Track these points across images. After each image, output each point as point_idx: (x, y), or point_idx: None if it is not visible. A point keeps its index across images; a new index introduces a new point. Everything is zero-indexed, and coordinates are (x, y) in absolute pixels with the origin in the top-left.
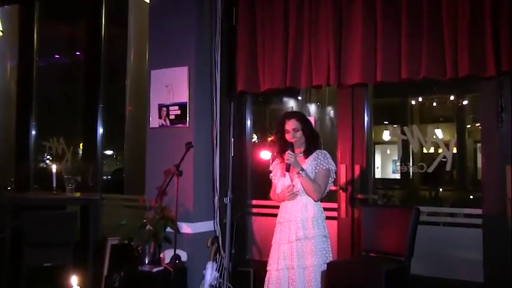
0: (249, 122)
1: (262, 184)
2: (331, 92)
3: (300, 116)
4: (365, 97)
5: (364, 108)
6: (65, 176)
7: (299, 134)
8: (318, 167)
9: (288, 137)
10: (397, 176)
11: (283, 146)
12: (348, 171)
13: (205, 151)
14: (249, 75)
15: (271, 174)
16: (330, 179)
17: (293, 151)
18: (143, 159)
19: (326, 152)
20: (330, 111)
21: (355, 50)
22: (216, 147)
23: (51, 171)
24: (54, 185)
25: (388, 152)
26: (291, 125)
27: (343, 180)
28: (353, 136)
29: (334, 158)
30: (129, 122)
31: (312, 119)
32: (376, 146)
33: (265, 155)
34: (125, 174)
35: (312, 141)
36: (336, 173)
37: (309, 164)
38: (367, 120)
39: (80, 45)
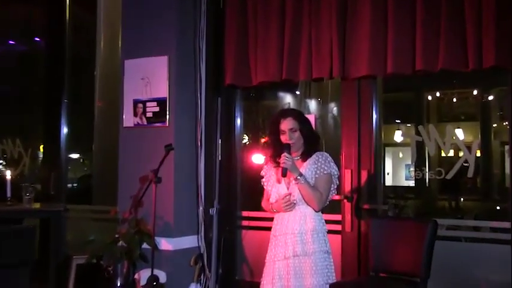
0: (239, 121)
1: (254, 193)
2: (335, 86)
3: (298, 114)
4: (373, 92)
5: (372, 104)
6: (22, 184)
7: (296, 134)
8: (318, 172)
9: (283, 138)
10: (411, 183)
11: (278, 149)
12: (353, 178)
13: (188, 154)
14: (239, 67)
15: (263, 180)
16: (333, 185)
17: (290, 154)
18: (115, 164)
19: (327, 155)
20: (333, 108)
21: (363, 38)
22: (201, 149)
23: (5, 179)
24: (9, 194)
25: (401, 155)
26: (287, 124)
27: (348, 188)
28: (359, 137)
29: (337, 163)
30: (98, 120)
31: (311, 118)
32: (386, 148)
33: (257, 159)
34: (93, 182)
35: (312, 143)
36: (339, 178)
37: (307, 169)
38: (376, 119)
39: (40, 30)
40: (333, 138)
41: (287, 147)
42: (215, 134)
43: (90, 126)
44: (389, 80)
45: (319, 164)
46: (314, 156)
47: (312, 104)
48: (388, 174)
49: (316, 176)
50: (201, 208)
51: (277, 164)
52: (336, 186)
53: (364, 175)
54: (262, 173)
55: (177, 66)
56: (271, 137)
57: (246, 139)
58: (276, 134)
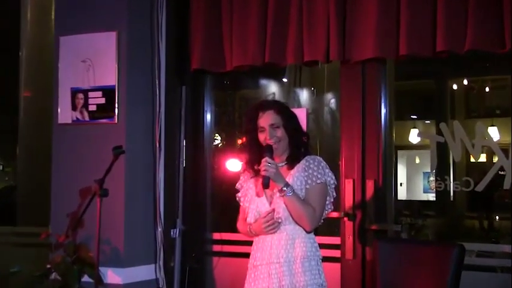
0: (209, 117)
1: (229, 209)
2: (332, 73)
3: (280, 107)
4: (382, 79)
5: (380, 95)
6: None
7: (279, 132)
8: (309, 181)
9: (263, 137)
10: (431, 196)
11: (256, 152)
12: (356, 190)
13: (143, 160)
14: (210, 47)
15: (239, 195)
16: (328, 198)
17: (272, 158)
18: (47, 173)
19: (320, 159)
20: (330, 101)
21: (369, 10)
22: (160, 153)
23: None
24: None
25: (417, 160)
26: (266, 119)
27: (349, 202)
28: (364, 137)
29: (336, 171)
30: (25, 115)
31: (302, 112)
32: (398, 152)
33: (233, 165)
34: (17, 196)
35: (299, 144)
36: (336, 190)
37: (296, 178)
38: (385, 114)
39: None
40: (331, 138)
41: (269, 150)
42: (178, 134)
43: (13, 124)
44: (402, 65)
45: (310, 171)
46: (303, 161)
47: (304, 95)
48: (401, 185)
49: (307, 186)
50: (159, 229)
51: (257, 173)
52: (332, 200)
53: (370, 186)
54: (238, 185)
55: (128, 46)
56: (248, 137)
57: (218, 140)
58: (254, 133)
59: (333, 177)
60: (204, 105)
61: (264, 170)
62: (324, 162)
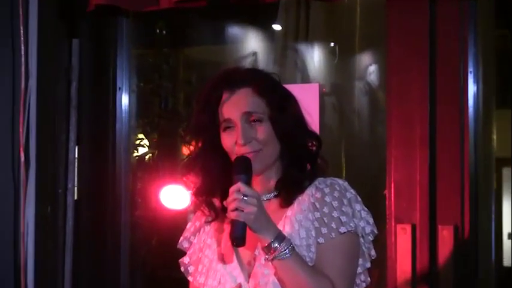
0: (125, 100)
1: (168, 281)
2: (372, 13)
3: (264, 82)
4: (470, 24)
5: (465, 56)
6: None
7: (263, 132)
8: (323, 230)
9: (229, 141)
10: None
11: (218, 171)
12: (419, 245)
13: None
14: None
15: (185, 260)
16: (361, 260)
17: (250, 183)
18: None
19: (345, 185)
20: (368, 69)
21: None
22: (27, 176)
23: None
24: None
25: None
26: (238, 106)
27: (403, 269)
28: (433, 141)
29: (375, 206)
30: None
31: (311, 92)
32: (503, 169)
33: (173, 197)
34: None
35: (301, 156)
36: (376, 243)
37: (297, 223)
38: (475, 93)
39: None
40: (367, 143)
41: (242, 168)
42: (64, 136)
43: None
44: None
45: (325, 209)
46: (311, 190)
47: (314, 59)
48: (509, 237)
49: (320, 240)
50: None
51: (220, 214)
52: (369, 264)
53: (446, 239)
54: (183, 241)
55: None
56: (202, 142)
57: (144, 147)
58: (213, 133)
59: (371, 221)
60: (116, 76)
61: (235, 210)
62: (353, 192)
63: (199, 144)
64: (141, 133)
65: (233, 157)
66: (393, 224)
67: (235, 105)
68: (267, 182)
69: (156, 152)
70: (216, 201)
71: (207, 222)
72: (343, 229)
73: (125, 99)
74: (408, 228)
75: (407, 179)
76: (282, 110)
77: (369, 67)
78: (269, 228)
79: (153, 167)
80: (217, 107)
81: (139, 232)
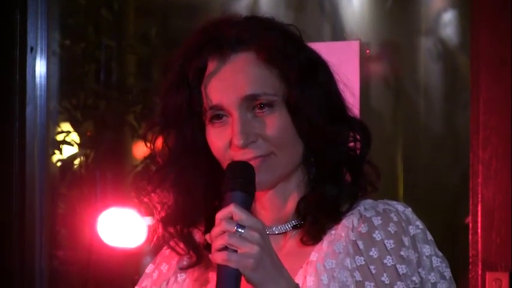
0: (41, 67)
1: None
2: None
3: (277, 40)
4: None
5: None
6: None
7: (275, 126)
8: (373, 287)
9: (216, 141)
10: None
11: (201, 185)
12: None
13: None
14: None
15: None
16: None
17: (249, 204)
18: None
19: (407, 211)
20: (442, 17)
21: None
22: None
23: None
24: None
25: None
26: (235, 85)
27: None
28: None
29: (454, 242)
30: None
31: (350, 55)
32: None
33: (122, 229)
34: None
35: (336, 158)
36: None
37: (326, 271)
38: None
39: None
40: (436, 138)
41: (238, 180)
42: None
43: None
44: None
45: (374, 249)
46: (352, 218)
47: (354, 4)
48: None
49: None
50: None
51: (201, 258)
52: None
53: None
54: None
55: None
56: (173, 139)
57: (69, 145)
58: (192, 124)
59: (448, 273)
60: (26, 30)
61: (223, 249)
62: (420, 225)
63: (171, 143)
64: (66, 121)
65: (225, 164)
66: (480, 271)
67: (230, 83)
68: (281, 204)
69: (92, 153)
70: (197, 234)
71: (182, 269)
72: (401, 286)
73: (40, 67)
74: (505, 278)
75: (503, 201)
76: (307, 87)
77: (442, 14)
78: (279, 281)
79: (86, 178)
80: (199, 83)
81: (65, 286)
